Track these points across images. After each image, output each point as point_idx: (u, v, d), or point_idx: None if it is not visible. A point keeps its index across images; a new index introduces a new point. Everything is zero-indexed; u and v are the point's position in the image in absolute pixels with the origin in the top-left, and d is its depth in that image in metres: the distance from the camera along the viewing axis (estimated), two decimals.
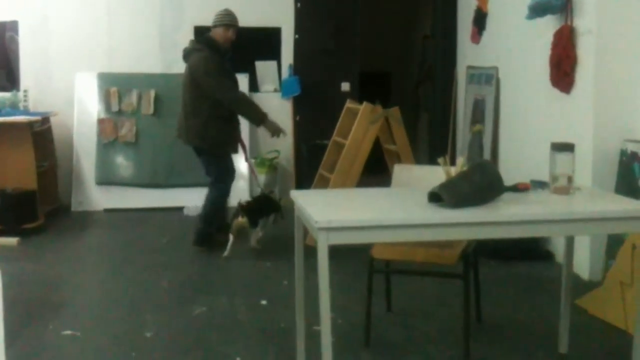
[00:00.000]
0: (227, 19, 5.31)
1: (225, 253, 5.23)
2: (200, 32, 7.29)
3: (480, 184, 2.81)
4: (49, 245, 5.68)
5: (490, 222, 2.72)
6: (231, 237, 5.26)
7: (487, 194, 2.84)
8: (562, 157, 3.03)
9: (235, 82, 5.39)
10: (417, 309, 4.21)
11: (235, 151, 5.46)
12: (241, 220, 5.24)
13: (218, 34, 5.30)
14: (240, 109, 5.26)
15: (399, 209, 2.83)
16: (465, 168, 2.98)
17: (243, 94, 5.26)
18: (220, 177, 5.40)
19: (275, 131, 5.40)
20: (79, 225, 6.45)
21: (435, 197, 2.80)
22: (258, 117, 5.31)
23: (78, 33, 7.14)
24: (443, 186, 2.79)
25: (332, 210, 2.80)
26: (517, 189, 3.08)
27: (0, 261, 3.91)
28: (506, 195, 2.94)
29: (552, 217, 2.76)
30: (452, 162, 3.52)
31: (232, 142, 5.40)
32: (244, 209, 5.28)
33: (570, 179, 3.04)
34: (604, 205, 2.97)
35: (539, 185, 3.14)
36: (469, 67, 6.80)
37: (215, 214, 5.43)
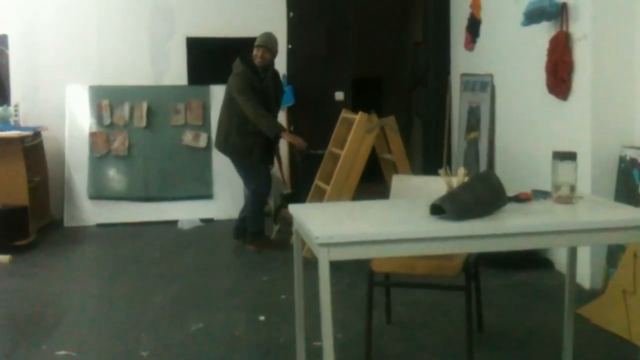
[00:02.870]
0: (257, 41, 5.63)
1: (272, 236, 6.00)
2: (192, 43, 7.28)
3: (483, 195, 2.75)
4: (41, 262, 5.59)
5: (495, 235, 2.66)
6: (275, 226, 6.05)
7: (490, 205, 2.78)
8: (565, 166, 2.98)
9: (264, 100, 5.60)
10: (417, 320, 4.15)
11: (261, 161, 5.70)
12: (286, 210, 5.79)
13: (253, 53, 5.63)
14: (259, 123, 5.52)
15: (402, 223, 2.76)
16: (466, 179, 2.92)
17: (264, 111, 5.55)
18: (251, 183, 5.75)
19: (295, 141, 5.78)
20: (71, 240, 6.37)
21: (437, 210, 2.74)
22: (273, 131, 5.59)
23: (68, 46, 7.08)
24: (446, 198, 2.73)
25: (332, 225, 2.72)
26: (519, 199, 3.03)
27: None
28: (509, 206, 2.88)
29: (558, 228, 2.70)
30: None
31: (252, 153, 5.62)
32: (290, 199, 5.79)
33: (572, 188, 2.99)
34: (609, 214, 2.91)
35: (541, 194, 3.09)
36: (463, 75, 6.77)
37: (256, 217, 5.78)
